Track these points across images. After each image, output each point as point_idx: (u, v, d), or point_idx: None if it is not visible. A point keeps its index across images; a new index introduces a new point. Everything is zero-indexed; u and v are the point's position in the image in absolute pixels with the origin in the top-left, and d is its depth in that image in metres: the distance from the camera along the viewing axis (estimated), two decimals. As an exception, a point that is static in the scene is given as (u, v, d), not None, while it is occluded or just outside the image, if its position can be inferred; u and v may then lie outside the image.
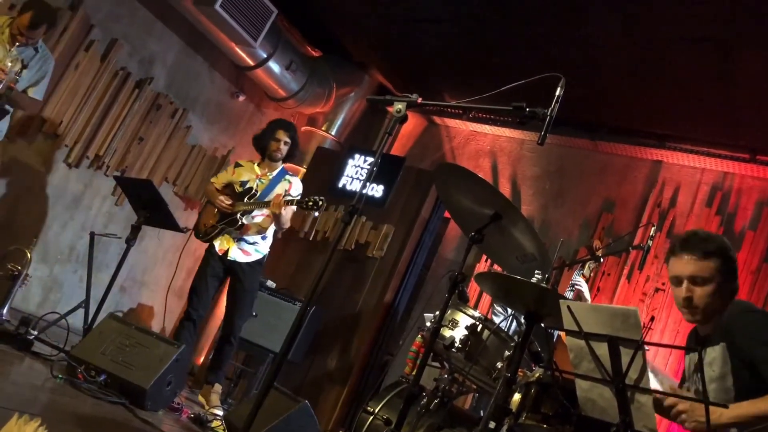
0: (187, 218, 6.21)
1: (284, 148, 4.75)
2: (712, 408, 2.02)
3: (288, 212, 4.59)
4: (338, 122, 6.82)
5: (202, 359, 6.01)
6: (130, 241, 4.38)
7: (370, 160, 6.35)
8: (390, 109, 2.54)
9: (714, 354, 2.30)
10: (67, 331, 3.84)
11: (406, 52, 6.14)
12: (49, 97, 4.95)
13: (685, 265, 2.36)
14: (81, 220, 5.54)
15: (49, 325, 4.04)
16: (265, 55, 5.95)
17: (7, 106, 4.07)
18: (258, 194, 4.67)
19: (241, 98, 6.54)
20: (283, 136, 4.73)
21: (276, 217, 4.55)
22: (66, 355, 3.48)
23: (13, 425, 1.61)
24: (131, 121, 5.62)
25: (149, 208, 4.45)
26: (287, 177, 4.80)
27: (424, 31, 5.62)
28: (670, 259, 2.45)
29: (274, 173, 4.78)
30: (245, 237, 4.65)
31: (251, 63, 6.00)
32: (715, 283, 2.33)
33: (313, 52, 6.79)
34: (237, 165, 4.87)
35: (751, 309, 2.38)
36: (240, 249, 4.64)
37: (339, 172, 6.44)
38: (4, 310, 3.82)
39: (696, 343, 2.48)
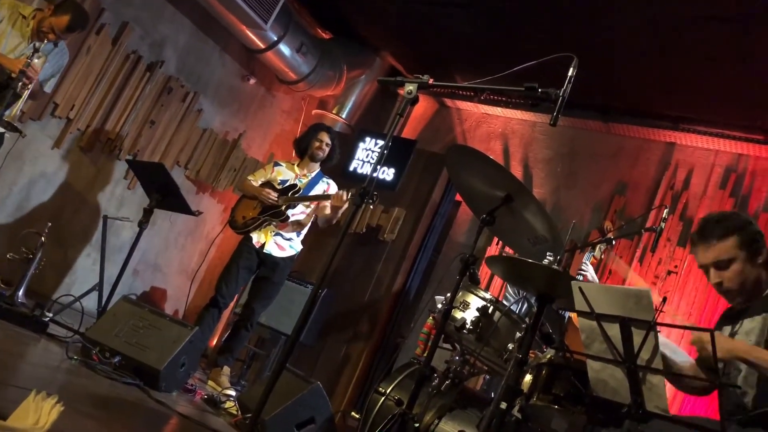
0: (199, 202, 6.24)
1: (326, 149, 4.96)
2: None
3: (345, 207, 4.74)
4: (349, 105, 6.80)
5: (215, 341, 6.05)
6: (143, 224, 4.42)
7: (381, 143, 6.34)
8: (401, 91, 2.53)
9: (753, 324, 2.33)
10: (81, 314, 3.88)
11: (417, 34, 6.10)
12: (61, 81, 4.96)
13: (705, 253, 2.41)
14: (94, 204, 5.57)
15: (64, 308, 4.08)
16: (275, 38, 5.93)
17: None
18: (301, 191, 4.83)
19: (252, 81, 6.53)
20: (325, 138, 4.97)
21: (335, 211, 4.69)
22: (81, 336, 3.52)
23: (31, 401, 1.63)
24: (143, 105, 5.63)
25: (161, 192, 4.49)
26: (325, 179, 4.99)
27: (436, 13, 5.57)
28: (693, 251, 2.49)
29: (313, 174, 4.96)
30: (282, 232, 4.79)
31: (262, 46, 5.98)
32: (740, 261, 2.36)
33: (324, 35, 6.77)
34: (276, 164, 5.03)
35: None
36: (276, 243, 4.77)
37: (350, 155, 6.44)
38: (20, 293, 3.86)
39: (730, 316, 2.49)
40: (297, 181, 4.89)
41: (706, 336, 2.16)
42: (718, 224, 2.41)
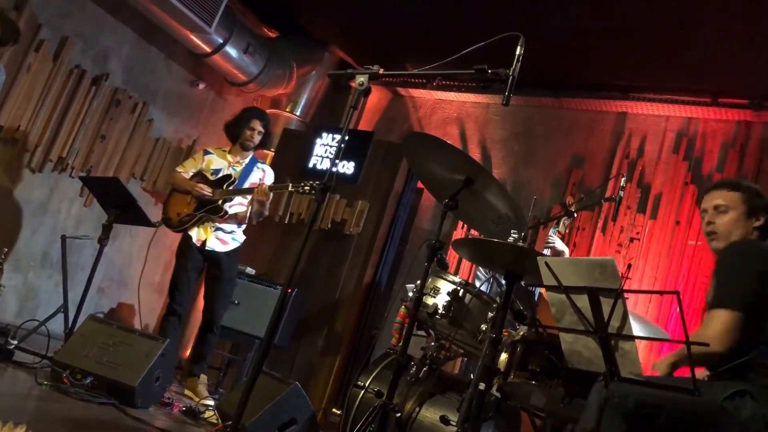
0: (158, 213, 6.09)
1: (258, 138, 4.73)
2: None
3: (270, 200, 4.58)
4: (302, 102, 6.76)
5: (188, 352, 5.97)
6: (103, 241, 4.33)
7: (338, 137, 6.31)
8: (353, 83, 2.51)
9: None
10: (47, 338, 3.79)
11: (363, 25, 6.08)
12: (3, 102, 4.83)
13: (710, 198, 2.55)
14: (51, 225, 5.45)
15: (29, 333, 3.99)
16: (221, 41, 5.86)
17: None
18: (237, 180, 4.63)
19: (201, 86, 6.44)
20: (258, 126, 4.71)
21: (261, 204, 4.52)
22: (49, 361, 3.44)
23: (-2, 434, 1.59)
24: (91, 120, 5.51)
25: (119, 206, 4.39)
26: (259, 165, 4.78)
27: (380, 2, 5.56)
28: (702, 200, 2.63)
29: (246, 161, 4.75)
30: (222, 226, 4.60)
31: (207, 49, 5.90)
32: (738, 212, 2.48)
33: (270, 33, 6.70)
34: (206, 152, 4.79)
35: (734, 245, 2.44)
36: (218, 239, 4.58)
37: (308, 152, 6.39)
38: (-19, 323, 3.76)
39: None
40: (230, 170, 4.66)
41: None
42: (732, 180, 2.61)
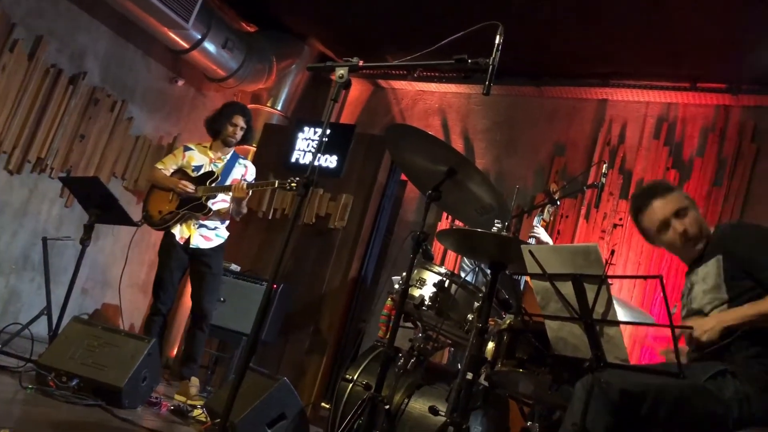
0: (140, 212, 6.06)
1: (240, 134, 4.65)
2: (701, 323, 2.26)
3: (248, 197, 4.53)
4: (283, 96, 6.73)
5: (175, 351, 5.95)
6: (85, 241, 4.27)
7: (320, 131, 6.29)
8: (333, 76, 2.50)
9: (707, 269, 2.41)
10: (31, 341, 3.75)
11: (342, 17, 6.05)
12: (-21, 104, 4.76)
13: (665, 205, 2.49)
14: (31, 227, 5.38)
15: (12, 337, 3.95)
16: (199, 36, 5.81)
17: None
18: (219, 177, 4.57)
19: (180, 83, 6.38)
20: (240, 121, 4.63)
21: (239, 202, 4.46)
22: (34, 364, 3.41)
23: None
24: (70, 119, 5.44)
25: (100, 206, 4.34)
26: (241, 161, 4.73)
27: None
28: (644, 215, 2.55)
29: (227, 157, 4.69)
30: (206, 223, 4.55)
31: (186, 45, 5.85)
32: (692, 208, 2.50)
33: (249, 28, 6.65)
34: (186, 148, 4.71)
35: (743, 223, 2.48)
36: (201, 236, 4.53)
37: (290, 146, 6.37)
38: (-37, 328, 3.72)
39: (689, 272, 2.58)
40: (212, 167, 4.60)
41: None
42: (660, 184, 2.59)
